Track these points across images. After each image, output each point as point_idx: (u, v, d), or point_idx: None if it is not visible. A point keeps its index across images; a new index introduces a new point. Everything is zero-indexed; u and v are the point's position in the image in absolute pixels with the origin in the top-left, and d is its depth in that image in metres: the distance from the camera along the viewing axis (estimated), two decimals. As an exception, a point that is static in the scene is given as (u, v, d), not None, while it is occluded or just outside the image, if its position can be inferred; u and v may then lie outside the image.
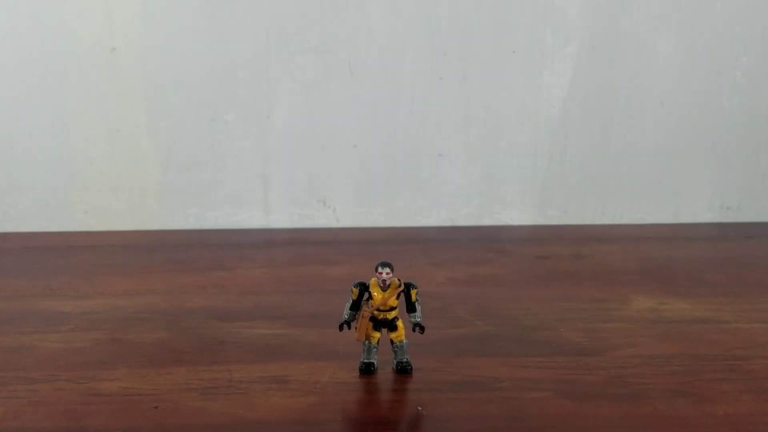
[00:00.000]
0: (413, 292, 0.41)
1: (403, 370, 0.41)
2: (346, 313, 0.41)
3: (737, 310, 0.52)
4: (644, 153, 0.84)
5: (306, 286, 0.60)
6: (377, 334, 0.41)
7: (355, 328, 0.41)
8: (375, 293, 0.40)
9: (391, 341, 0.41)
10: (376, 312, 0.40)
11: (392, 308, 0.41)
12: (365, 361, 0.41)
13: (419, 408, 0.37)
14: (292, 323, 0.49)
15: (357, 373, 0.41)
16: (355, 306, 0.41)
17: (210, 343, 0.46)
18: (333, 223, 0.84)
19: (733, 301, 0.55)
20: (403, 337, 0.41)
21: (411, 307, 0.41)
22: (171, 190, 0.82)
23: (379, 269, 0.40)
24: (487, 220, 0.85)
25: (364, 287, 0.41)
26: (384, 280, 0.40)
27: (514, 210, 0.85)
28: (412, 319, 0.41)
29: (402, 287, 0.40)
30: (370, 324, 0.41)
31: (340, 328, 0.41)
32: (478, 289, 0.59)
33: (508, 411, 0.36)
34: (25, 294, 0.57)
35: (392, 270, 0.40)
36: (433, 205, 0.84)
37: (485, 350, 0.44)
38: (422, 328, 0.41)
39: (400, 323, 0.41)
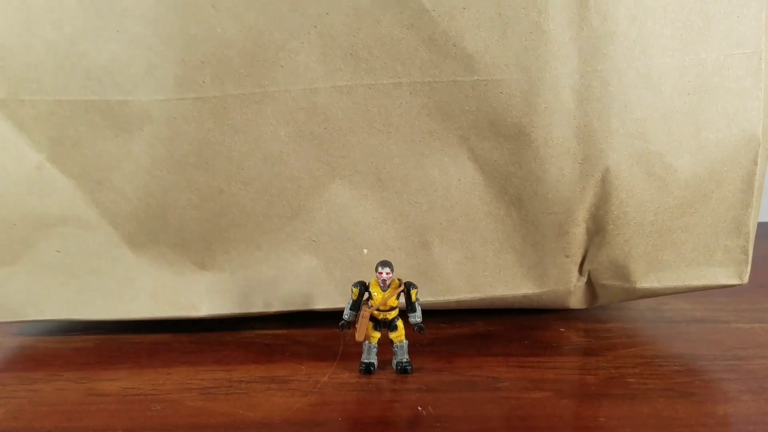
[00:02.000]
0: (413, 292, 0.41)
1: (403, 370, 0.41)
2: (346, 313, 0.41)
3: (737, 310, 0.52)
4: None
5: (306, 286, 0.60)
6: (377, 334, 0.41)
7: (355, 328, 0.41)
8: (375, 293, 0.41)
9: (391, 341, 0.41)
10: (376, 312, 0.40)
11: (392, 308, 0.41)
12: (365, 361, 0.41)
13: (419, 408, 0.37)
14: (292, 323, 0.49)
15: (357, 373, 0.41)
16: (355, 306, 0.41)
17: (210, 343, 0.46)
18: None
19: (733, 301, 0.55)
20: (403, 337, 0.41)
21: (411, 307, 0.41)
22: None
23: (379, 269, 0.40)
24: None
25: (364, 287, 0.41)
26: (384, 280, 0.40)
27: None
28: (412, 319, 0.41)
29: (402, 287, 0.40)
30: (370, 324, 0.41)
31: (341, 328, 0.41)
32: (478, 289, 0.59)
33: (508, 411, 0.36)
34: (25, 294, 0.57)
35: (392, 270, 0.40)
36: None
37: (485, 350, 0.44)
38: (422, 328, 0.41)
39: (400, 323, 0.41)
